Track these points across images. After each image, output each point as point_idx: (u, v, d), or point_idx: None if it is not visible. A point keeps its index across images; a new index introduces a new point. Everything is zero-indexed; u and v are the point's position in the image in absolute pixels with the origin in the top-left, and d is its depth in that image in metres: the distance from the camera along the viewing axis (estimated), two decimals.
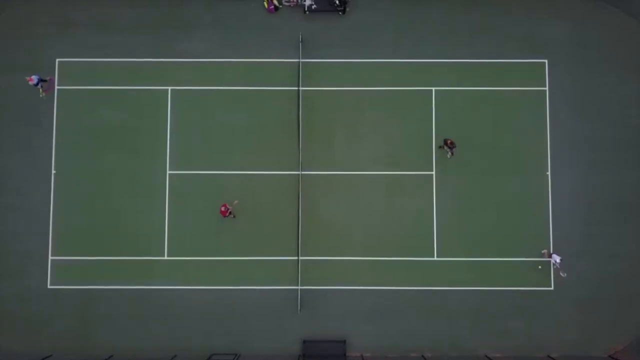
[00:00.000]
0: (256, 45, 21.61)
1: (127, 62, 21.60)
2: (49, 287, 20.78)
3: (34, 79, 20.69)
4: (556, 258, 20.21)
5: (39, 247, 20.84)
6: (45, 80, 21.04)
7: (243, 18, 21.72)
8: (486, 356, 20.47)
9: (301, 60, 21.38)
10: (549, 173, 21.18)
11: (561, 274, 20.37)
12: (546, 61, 21.55)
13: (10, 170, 21.13)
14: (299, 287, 20.59)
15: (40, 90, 20.90)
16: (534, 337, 20.64)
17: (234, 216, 20.82)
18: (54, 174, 21.17)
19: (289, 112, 21.37)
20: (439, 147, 21.00)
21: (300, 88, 21.36)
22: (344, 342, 20.46)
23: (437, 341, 20.65)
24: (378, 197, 21.15)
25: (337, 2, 21.36)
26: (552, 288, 20.76)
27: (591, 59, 21.59)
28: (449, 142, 20.52)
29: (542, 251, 20.79)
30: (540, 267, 20.80)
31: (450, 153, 20.78)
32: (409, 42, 21.66)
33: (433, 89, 21.53)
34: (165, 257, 20.91)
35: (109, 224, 20.98)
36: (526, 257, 20.90)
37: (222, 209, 20.28)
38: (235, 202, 20.59)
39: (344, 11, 21.59)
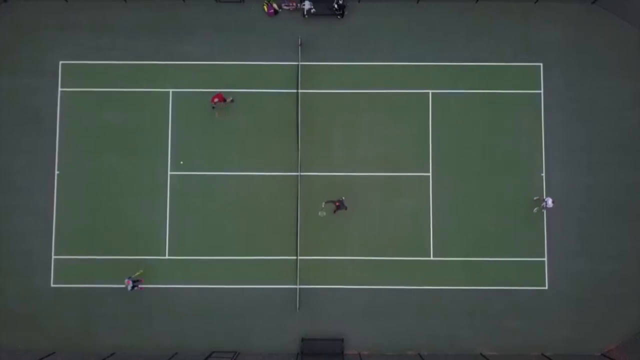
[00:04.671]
0: (256, 48, 21.90)
1: (129, 65, 21.90)
2: (51, 285, 21.08)
3: (130, 283, 20.10)
4: (549, 201, 20.50)
5: (42, 246, 21.14)
6: (138, 281, 20.65)
7: (243, 21, 22.01)
8: (481, 354, 20.78)
9: (300, 63, 21.68)
10: (543, 174, 21.50)
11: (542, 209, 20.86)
12: (541, 64, 21.86)
13: (14, 171, 21.42)
14: (298, 286, 20.89)
15: (135, 286, 20.42)
16: (528, 336, 20.94)
17: (217, 114, 21.12)
18: (58, 174, 21.48)
19: (288, 114, 21.67)
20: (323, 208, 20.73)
21: (299, 90, 21.66)
22: (342, 340, 20.75)
23: (434, 339, 20.95)
24: (376, 198, 21.45)
25: (336, 6, 21.65)
26: (546, 287, 21.09)
27: (586, 63, 21.89)
28: (337, 203, 20.61)
29: (535, 197, 21.09)
30: (535, 209, 21.10)
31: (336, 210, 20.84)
32: (406, 45, 21.95)
33: (430, 91, 21.83)
34: (166, 257, 21.22)
35: (111, 224, 21.28)
36: (521, 257, 21.20)
37: (217, 97, 20.73)
38: (230, 99, 20.91)
39: (342, 15, 21.89)
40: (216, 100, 21.00)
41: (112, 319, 20.95)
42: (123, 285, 20.22)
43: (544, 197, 20.89)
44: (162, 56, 21.91)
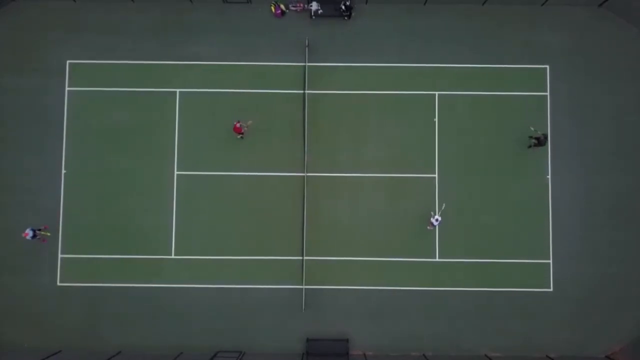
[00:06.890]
0: (263, 49, 21.95)
1: (136, 65, 21.96)
2: (58, 284, 21.15)
3: (29, 232, 20.33)
4: (436, 219, 20.40)
5: (49, 245, 21.19)
6: (40, 230, 20.78)
7: (250, 22, 22.07)
8: (486, 355, 20.84)
9: (307, 64, 21.74)
10: (549, 177, 21.56)
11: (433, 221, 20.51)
12: (547, 67, 21.91)
13: (21, 170, 21.48)
14: (304, 287, 20.96)
15: (41, 234, 20.79)
16: (533, 338, 21.01)
17: (243, 137, 21.26)
18: (64, 173, 21.55)
19: (295, 114, 21.73)
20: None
21: (306, 91, 21.72)
22: (347, 340, 20.82)
23: (438, 340, 21.02)
24: (381, 198, 21.51)
25: (343, 7, 21.70)
26: (551, 289, 21.15)
27: (592, 66, 21.91)
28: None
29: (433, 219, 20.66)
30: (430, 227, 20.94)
31: None
32: (413, 47, 22.00)
33: (436, 93, 21.88)
34: (173, 256, 21.29)
35: (118, 223, 21.35)
36: (526, 259, 21.25)
37: (237, 125, 20.73)
38: (249, 122, 20.91)
39: (349, 16, 21.93)
40: (239, 134, 21.12)
41: (118, 318, 21.03)
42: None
43: (435, 214, 20.68)
44: (169, 56, 21.97)
